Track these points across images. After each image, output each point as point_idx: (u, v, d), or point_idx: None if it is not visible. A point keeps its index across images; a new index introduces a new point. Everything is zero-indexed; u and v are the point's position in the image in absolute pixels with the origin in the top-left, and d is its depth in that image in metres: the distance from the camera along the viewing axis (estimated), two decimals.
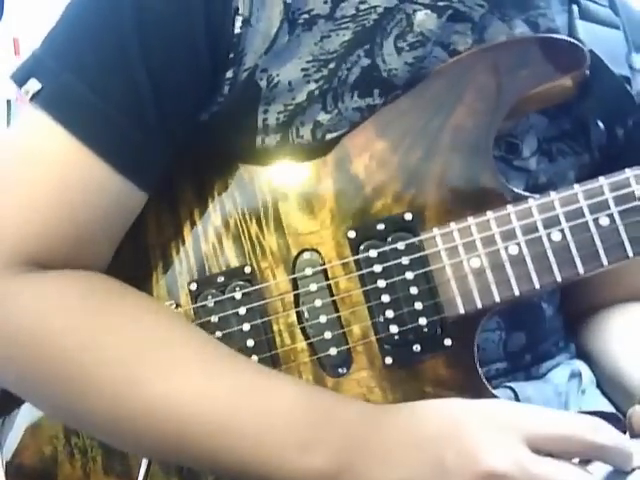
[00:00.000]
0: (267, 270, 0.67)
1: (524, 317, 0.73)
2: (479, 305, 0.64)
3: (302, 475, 0.57)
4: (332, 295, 0.66)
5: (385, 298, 0.65)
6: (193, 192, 0.69)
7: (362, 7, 0.67)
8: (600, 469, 0.60)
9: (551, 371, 0.76)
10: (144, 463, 0.65)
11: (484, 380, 0.65)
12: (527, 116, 0.73)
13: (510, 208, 0.65)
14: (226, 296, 0.66)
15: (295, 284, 0.66)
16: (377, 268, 0.65)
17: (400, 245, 0.65)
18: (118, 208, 0.65)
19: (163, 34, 0.63)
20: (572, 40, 0.70)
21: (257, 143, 0.67)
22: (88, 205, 0.63)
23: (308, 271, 0.66)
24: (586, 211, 0.64)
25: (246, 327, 0.66)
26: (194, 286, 0.67)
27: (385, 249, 0.65)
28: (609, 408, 0.74)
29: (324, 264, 0.66)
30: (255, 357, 0.65)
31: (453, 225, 0.65)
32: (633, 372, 0.73)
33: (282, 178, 0.68)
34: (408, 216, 0.66)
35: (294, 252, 0.67)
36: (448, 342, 0.65)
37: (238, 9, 0.64)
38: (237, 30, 0.64)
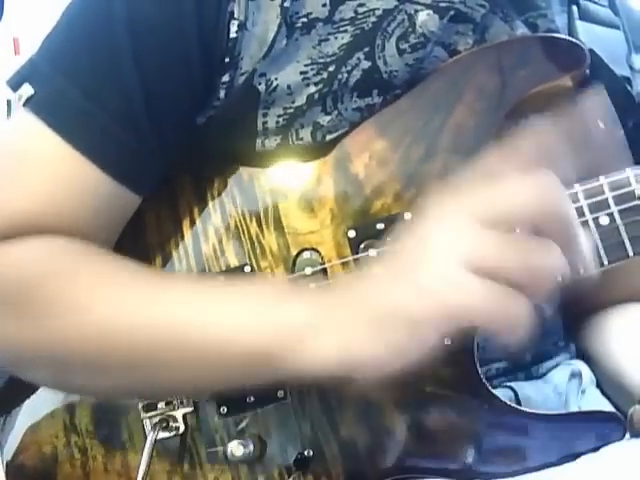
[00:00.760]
0: (267, 269, 0.67)
1: None
2: None
3: (279, 328, 0.55)
4: None
5: None
6: (193, 192, 0.69)
7: (361, 10, 0.67)
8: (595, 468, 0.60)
9: (551, 371, 0.76)
10: (144, 462, 0.65)
11: (484, 380, 0.65)
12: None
13: None
14: None
15: (295, 282, 0.66)
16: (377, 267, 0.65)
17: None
18: (110, 210, 0.65)
19: (155, 40, 0.63)
20: (572, 39, 0.70)
21: (257, 145, 0.67)
22: (79, 206, 0.63)
23: (308, 270, 0.66)
24: (586, 210, 0.63)
25: None
26: None
27: (385, 249, 0.65)
28: (609, 408, 0.74)
29: (324, 263, 0.66)
30: None
31: None
32: (633, 372, 0.73)
33: (282, 178, 0.68)
34: (408, 216, 0.66)
35: (294, 251, 0.67)
36: (448, 341, 0.65)
37: (233, 13, 0.63)
38: (232, 34, 0.63)
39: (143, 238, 0.69)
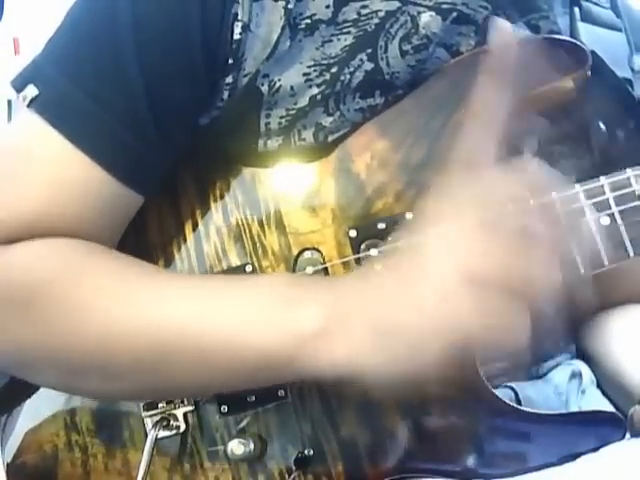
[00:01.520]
0: (268, 269, 0.67)
1: None
2: None
3: (291, 334, 0.55)
4: None
5: None
6: (195, 192, 0.69)
7: (364, 11, 0.67)
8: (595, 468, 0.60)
9: (551, 371, 0.76)
10: (144, 461, 0.65)
11: (484, 379, 0.65)
12: (528, 118, 0.73)
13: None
14: None
15: None
16: (378, 267, 0.65)
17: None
18: (114, 210, 0.65)
19: (159, 42, 0.63)
20: (574, 41, 0.70)
21: (259, 146, 0.68)
22: (82, 207, 0.63)
23: (309, 270, 0.66)
24: (587, 211, 0.64)
25: None
26: None
27: (386, 248, 0.65)
28: (609, 408, 0.74)
29: (325, 263, 0.66)
30: None
31: None
32: (633, 372, 0.73)
33: (284, 178, 0.68)
34: (409, 215, 0.66)
35: (295, 251, 0.67)
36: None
37: (237, 15, 0.63)
38: (236, 36, 0.63)
39: (145, 237, 0.69)
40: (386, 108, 0.68)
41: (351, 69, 0.67)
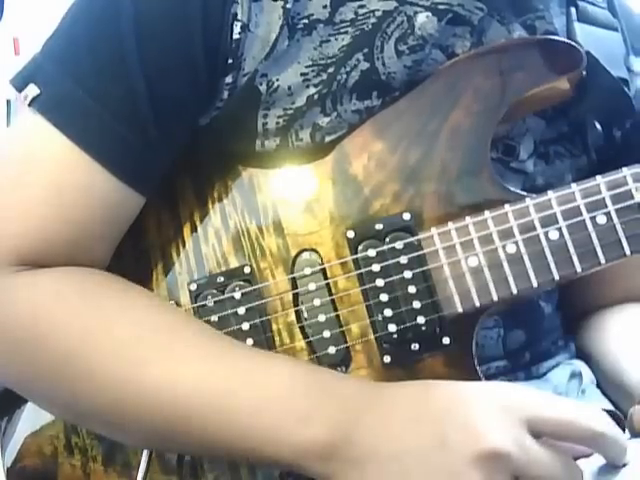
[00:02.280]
0: (266, 270, 0.67)
1: (522, 315, 0.73)
2: (477, 304, 0.64)
3: (300, 448, 0.57)
4: (331, 294, 0.66)
5: (383, 297, 0.65)
6: (193, 193, 0.69)
7: (361, 11, 0.68)
8: (593, 466, 0.60)
9: (551, 371, 0.76)
10: (143, 462, 0.65)
11: (483, 379, 0.65)
12: (524, 118, 0.73)
13: (507, 207, 0.65)
14: (226, 296, 0.67)
15: (294, 284, 0.67)
16: (376, 267, 0.65)
17: (398, 244, 0.66)
18: (115, 211, 0.65)
19: (160, 41, 0.63)
20: (569, 41, 0.70)
21: (257, 146, 0.68)
22: (85, 207, 0.64)
23: (307, 271, 0.66)
24: (583, 210, 0.64)
25: (245, 326, 0.66)
26: (194, 286, 0.67)
27: (383, 248, 0.66)
28: (609, 408, 0.74)
29: (323, 264, 0.67)
30: None
31: (451, 224, 0.65)
32: (633, 372, 0.72)
33: (281, 179, 0.68)
34: (406, 216, 0.66)
35: (293, 252, 0.67)
36: (446, 341, 0.65)
37: (237, 15, 0.64)
38: (236, 36, 0.64)
39: (143, 239, 0.69)
40: (382, 109, 0.68)
41: (347, 69, 0.67)
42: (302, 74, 0.67)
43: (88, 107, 0.63)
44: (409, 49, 0.68)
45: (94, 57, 0.64)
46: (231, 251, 0.68)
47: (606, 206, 0.64)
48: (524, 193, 0.66)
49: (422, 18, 0.69)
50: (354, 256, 0.66)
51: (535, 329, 0.75)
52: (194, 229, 0.69)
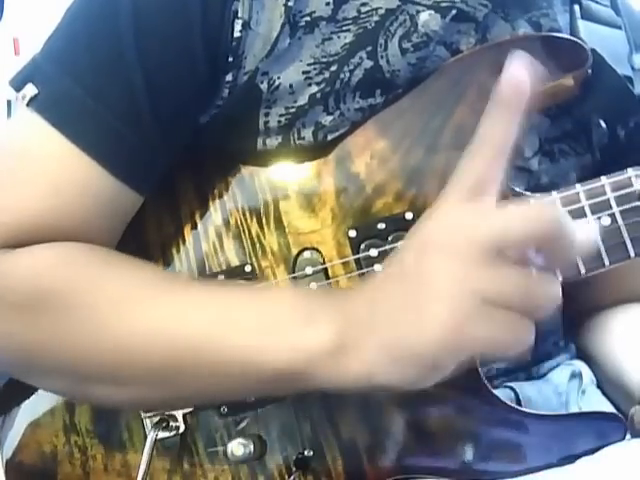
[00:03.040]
0: (267, 269, 0.67)
1: None
2: None
3: (306, 352, 0.55)
4: None
5: None
6: (194, 191, 0.69)
7: (364, 9, 0.67)
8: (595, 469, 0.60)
9: (551, 371, 0.76)
10: (144, 462, 0.65)
11: (484, 380, 0.65)
12: (528, 116, 0.72)
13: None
14: None
15: (295, 283, 0.66)
16: (377, 267, 0.65)
17: (401, 244, 0.65)
18: (112, 208, 0.65)
19: (160, 39, 0.63)
20: (574, 39, 0.70)
21: (258, 145, 0.67)
22: (81, 205, 0.63)
23: (308, 270, 0.66)
24: (587, 211, 0.63)
25: None
26: None
27: (386, 248, 0.65)
28: (609, 408, 0.74)
29: (324, 263, 0.66)
30: None
31: None
32: (633, 372, 0.73)
33: (283, 177, 0.68)
34: (409, 215, 0.66)
35: (294, 251, 0.67)
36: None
37: (237, 12, 0.63)
38: (236, 34, 0.63)
39: (143, 236, 0.69)
40: (385, 107, 0.68)
41: (351, 67, 0.67)
42: (304, 72, 0.66)
43: (86, 105, 0.62)
44: (413, 46, 0.68)
45: (92, 55, 0.63)
46: (232, 249, 0.68)
47: (611, 207, 0.63)
48: (528, 193, 0.66)
49: (425, 16, 0.68)
50: (356, 256, 0.66)
51: (536, 330, 0.74)
52: (195, 227, 0.69)
